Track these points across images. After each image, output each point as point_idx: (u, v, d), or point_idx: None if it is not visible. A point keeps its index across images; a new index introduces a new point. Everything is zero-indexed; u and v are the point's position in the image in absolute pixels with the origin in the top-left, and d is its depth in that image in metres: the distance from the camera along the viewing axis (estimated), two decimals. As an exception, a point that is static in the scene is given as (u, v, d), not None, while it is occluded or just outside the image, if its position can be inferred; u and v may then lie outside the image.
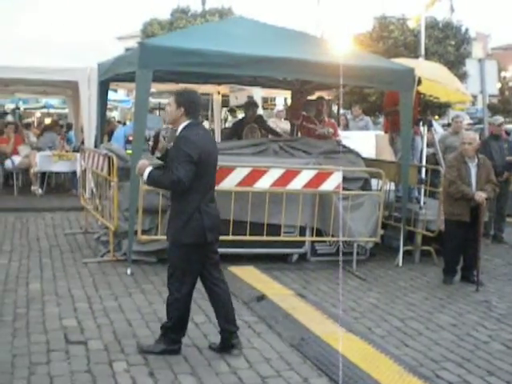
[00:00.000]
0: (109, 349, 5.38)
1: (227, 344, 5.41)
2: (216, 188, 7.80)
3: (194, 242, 5.23)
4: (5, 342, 5.45)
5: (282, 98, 21.80)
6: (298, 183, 8.24)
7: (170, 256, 5.46)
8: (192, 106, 5.31)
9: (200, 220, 5.20)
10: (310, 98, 11.86)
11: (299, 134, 11.11)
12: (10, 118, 22.44)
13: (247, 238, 8.14)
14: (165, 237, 7.92)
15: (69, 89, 16.57)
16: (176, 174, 5.03)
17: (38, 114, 30.83)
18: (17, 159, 14.54)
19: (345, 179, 8.39)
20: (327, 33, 22.97)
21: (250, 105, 11.29)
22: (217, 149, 5.54)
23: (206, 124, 21.33)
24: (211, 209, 5.34)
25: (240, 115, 25.68)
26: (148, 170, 5.22)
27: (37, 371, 4.90)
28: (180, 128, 5.30)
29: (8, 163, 14.61)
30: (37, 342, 5.50)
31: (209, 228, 5.25)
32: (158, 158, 5.63)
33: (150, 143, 5.63)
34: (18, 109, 30.20)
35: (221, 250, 8.16)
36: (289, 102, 16.69)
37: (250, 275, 7.76)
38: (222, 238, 7.95)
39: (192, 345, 5.53)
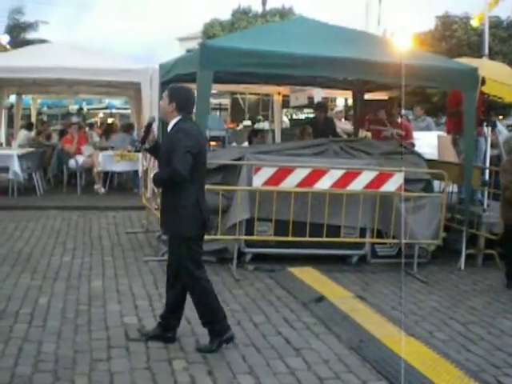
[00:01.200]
0: (168, 347, 5.42)
1: (162, 334, 5.52)
2: (276, 188, 7.90)
3: (196, 234, 5.33)
4: (67, 338, 5.56)
5: (342, 98, 21.62)
6: (358, 184, 8.17)
7: (173, 251, 5.48)
8: (184, 101, 5.35)
9: (199, 212, 5.29)
10: (379, 98, 11.80)
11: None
12: (74, 118, 22.87)
13: (307, 238, 8.11)
14: (225, 236, 8.08)
15: (131, 89, 16.81)
16: (174, 166, 5.10)
17: (100, 114, 31.39)
18: (80, 159, 14.84)
19: (406, 180, 8.27)
20: (388, 32, 22.69)
21: (319, 107, 11.32)
22: (206, 144, 5.63)
23: (265, 124, 21.39)
24: (205, 201, 5.44)
25: (301, 116, 25.68)
26: (152, 174, 5.29)
27: (97, 367, 4.97)
28: (172, 123, 5.34)
29: (72, 163, 14.91)
30: (98, 338, 5.58)
31: (206, 220, 5.40)
32: (145, 150, 5.65)
33: (141, 133, 5.65)
34: (82, 109, 30.82)
35: (280, 251, 8.27)
36: (349, 102, 16.58)
37: (309, 276, 7.73)
38: (281, 238, 8.03)
39: (250, 344, 5.53)
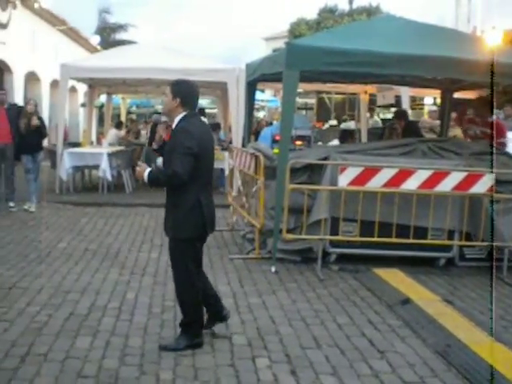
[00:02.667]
0: (252, 344, 5.46)
1: (217, 318, 5.57)
2: (362, 188, 7.82)
3: (195, 235, 5.23)
4: (153, 332, 5.67)
5: (430, 97, 21.23)
6: (446, 185, 7.99)
7: (171, 251, 5.37)
8: (188, 96, 5.22)
9: (200, 213, 5.17)
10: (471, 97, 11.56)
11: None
12: (164, 118, 23.32)
13: (393, 239, 8.00)
14: (310, 236, 8.07)
15: (218, 89, 17.00)
16: (172, 168, 5.00)
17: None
18: (168, 157, 15.05)
19: (496, 182, 8.04)
20: (478, 29, 22.14)
21: (401, 115, 11.16)
22: (213, 141, 5.47)
23: (351, 124, 21.22)
24: (210, 202, 5.30)
25: (388, 115, 25.37)
26: (146, 171, 5.16)
27: (182, 362, 5.03)
28: (176, 120, 5.21)
29: (160, 161, 15.16)
30: (183, 334, 5.66)
31: (209, 221, 5.27)
32: (154, 150, 5.54)
33: (148, 135, 5.54)
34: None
35: (366, 252, 8.19)
36: (438, 101, 16.27)
37: (394, 278, 7.63)
38: (367, 239, 7.96)
39: (334, 345, 5.50)
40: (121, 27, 50.20)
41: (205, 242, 5.47)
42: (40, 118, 12.14)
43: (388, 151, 8.88)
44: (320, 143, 15.78)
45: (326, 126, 26.80)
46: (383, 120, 22.01)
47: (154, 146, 4.93)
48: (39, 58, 23.91)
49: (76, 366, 4.88)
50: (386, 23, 9.16)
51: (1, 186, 12.22)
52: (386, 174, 7.91)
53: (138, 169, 5.29)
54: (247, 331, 5.78)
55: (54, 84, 23.70)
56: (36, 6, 22.86)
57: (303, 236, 8.11)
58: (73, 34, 29.04)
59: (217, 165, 14.46)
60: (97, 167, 14.12)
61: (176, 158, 5.00)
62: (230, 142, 14.32)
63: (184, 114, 5.20)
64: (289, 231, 8.10)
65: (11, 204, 12.04)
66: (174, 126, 5.25)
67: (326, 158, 8.33)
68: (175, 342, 5.32)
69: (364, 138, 16.08)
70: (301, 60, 7.85)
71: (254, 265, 8.23)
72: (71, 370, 4.81)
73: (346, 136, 10.84)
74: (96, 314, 6.10)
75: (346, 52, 7.88)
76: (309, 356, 5.24)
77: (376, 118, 20.97)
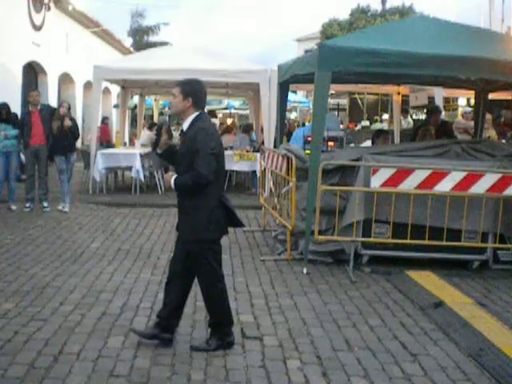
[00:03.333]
0: (283, 346, 5.44)
1: (159, 335, 5.34)
2: (394, 190, 7.77)
3: (219, 236, 5.20)
4: (185, 333, 5.68)
5: (464, 98, 21.03)
6: (480, 187, 7.89)
7: (194, 254, 5.20)
8: (199, 95, 5.13)
9: (221, 213, 5.13)
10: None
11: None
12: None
13: (426, 242, 7.93)
14: (342, 237, 8.03)
15: (250, 90, 17.03)
16: (197, 170, 4.92)
17: (219, 114, 31.95)
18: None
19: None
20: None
21: (434, 111, 11.03)
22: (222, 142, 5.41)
23: (384, 125, 21.10)
24: (227, 201, 5.26)
25: (421, 116, 25.18)
26: (173, 178, 5.07)
27: (213, 363, 5.04)
28: (189, 120, 5.11)
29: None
30: (215, 335, 5.67)
31: (228, 221, 5.24)
32: (157, 155, 5.40)
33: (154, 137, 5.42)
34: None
35: (398, 254, 8.13)
36: (472, 102, 16.11)
37: (427, 280, 7.56)
38: (399, 241, 7.90)
39: (366, 347, 5.47)
40: (153, 29, 50.59)
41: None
42: (73, 120, 12.26)
43: (421, 152, 8.80)
44: (352, 144, 15.74)
45: (358, 126, 26.70)
46: (415, 121, 21.86)
47: (158, 150, 4.79)
48: (73, 59, 24.19)
49: (108, 365, 4.92)
50: (419, 23, 9.09)
51: (35, 186, 12.37)
52: (419, 176, 7.85)
53: (165, 176, 5.26)
54: (278, 332, 5.77)
55: (88, 85, 23.95)
56: (70, 8, 23.13)
57: (335, 237, 8.08)
58: (106, 36, 29.32)
59: (249, 166, 14.67)
60: (130, 168, 14.22)
61: (201, 159, 4.94)
62: (262, 143, 14.33)
63: (197, 113, 5.13)
64: (320, 233, 8.07)
65: (45, 204, 12.20)
66: (185, 127, 5.16)
67: (358, 159, 8.29)
68: (206, 343, 5.32)
69: (397, 139, 15.99)
70: (333, 61, 7.82)
71: (285, 266, 8.22)
72: (103, 369, 4.85)
73: (377, 137, 10.73)
74: (128, 314, 6.14)
75: (378, 52, 7.82)
76: (340, 358, 5.22)
77: (409, 119, 20.81)
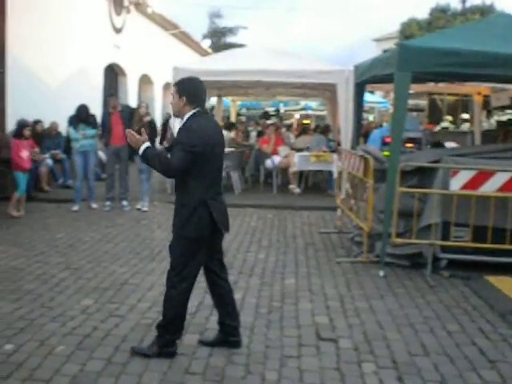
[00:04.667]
0: (358, 349, 5.40)
1: (227, 339, 5.31)
2: (475, 192, 7.59)
3: (196, 235, 4.98)
4: (259, 332, 5.71)
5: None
6: None
7: (171, 250, 5.13)
8: (193, 93, 5.05)
9: (204, 213, 4.95)
10: None
11: None
12: (274, 120, 23.46)
13: (507, 246, 7.72)
14: (419, 240, 7.91)
15: (327, 91, 16.96)
16: (171, 160, 4.85)
17: (296, 115, 31.94)
18: (276, 159, 15.21)
19: None
20: None
21: None
22: (223, 140, 5.25)
23: (465, 126, 20.65)
24: (218, 202, 5.08)
25: (503, 117, 24.54)
26: (144, 145, 4.93)
27: (287, 364, 5.05)
28: (185, 118, 5.04)
29: (268, 163, 15.32)
30: (289, 335, 5.67)
31: (219, 221, 5.03)
32: (165, 149, 5.32)
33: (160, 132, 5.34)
34: (279, 111, 31.60)
35: (478, 258, 7.93)
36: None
37: (507, 286, 7.36)
38: (479, 245, 7.71)
39: (443, 353, 5.36)
40: (231, 30, 51.03)
41: (210, 248, 5.21)
42: (152, 121, 12.43)
43: (503, 154, 8.57)
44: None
45: (438, 127, 26.20)
46: (498, 122, 21.32)
47: (165, 144, 4.89)
48: (152, 61, 24.61)
49: (184, 362, 4.99)
50: (501, 22, 8.84)
51: (115, 185, 12.64)
52: (500, 178, 7.65)
53: (137, 137, 5.02)
54: (354, 335, 5.73)
55: (167, 87, 24.33)
56: (149, 10, 23.57)
57: (412, 240, 7.95)
58: (184, 38, 29.74)
59: (325, 167, 14.63)
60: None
61: (176, 151, 4.89)
62: (339, 144, 14.24)
63: (193, 112, 5.07)
64: (398, 235, 7.97)
65: (124, 203, 12.45)
66: (181, 124, 5.12)
67: (437, 161, 8.14)
68: (147, 347, 5.18)
69: (477, 140, 15.64)
70: (413, 61, 7.69)
71: (361, 268, 8.15)
72: (179, 366, 4.92)
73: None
74: (204, 312, 6.21)
75: (460, 53, 7.64)
76: (416, 363, 5.13)
77: (492, 120, 20.31)
